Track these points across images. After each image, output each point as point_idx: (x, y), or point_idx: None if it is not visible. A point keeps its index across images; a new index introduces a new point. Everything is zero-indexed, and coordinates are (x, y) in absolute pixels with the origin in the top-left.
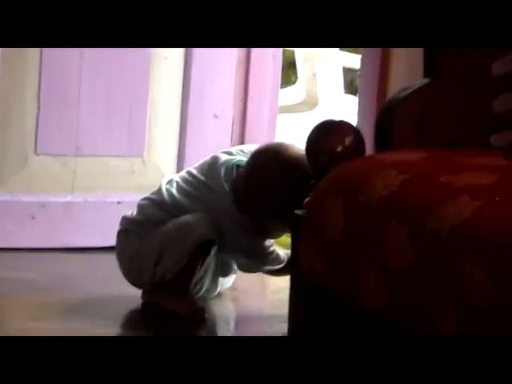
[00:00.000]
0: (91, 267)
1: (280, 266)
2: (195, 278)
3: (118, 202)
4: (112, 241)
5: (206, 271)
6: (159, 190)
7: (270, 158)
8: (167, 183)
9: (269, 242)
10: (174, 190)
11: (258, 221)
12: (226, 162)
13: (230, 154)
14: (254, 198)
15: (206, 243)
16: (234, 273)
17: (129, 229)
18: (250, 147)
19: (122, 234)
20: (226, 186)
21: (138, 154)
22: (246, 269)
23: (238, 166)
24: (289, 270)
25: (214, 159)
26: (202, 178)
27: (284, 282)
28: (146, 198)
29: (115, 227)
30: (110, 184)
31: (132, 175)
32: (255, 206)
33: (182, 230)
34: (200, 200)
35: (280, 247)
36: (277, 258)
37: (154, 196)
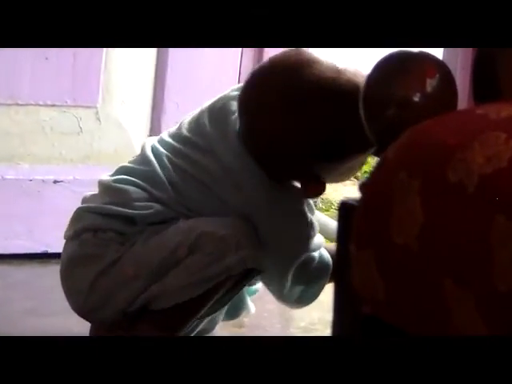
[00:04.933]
0: None
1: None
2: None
3: (55, 182)
4: (46, 244)
5: (215, 311)
6: (145, 158)
7: (295, 77)
8: (153, 150)
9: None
10: (169, 166)
11: (312, 177)
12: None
13: (231, 99)
14: (293, 143)
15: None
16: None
17: (101, 226)
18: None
19: (84, 233)
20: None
21: (87, 103)
22: (285, 297)
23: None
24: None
25: (221, 105)
26: (208, 145)
27: (320, 312)
28: (125, 170)
29: (55, 221)
30: (40, 151)
31: (78, 137)
32: (298, 155)
33: (207, 244)
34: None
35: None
36: (325, 267)
37: (139, 166)
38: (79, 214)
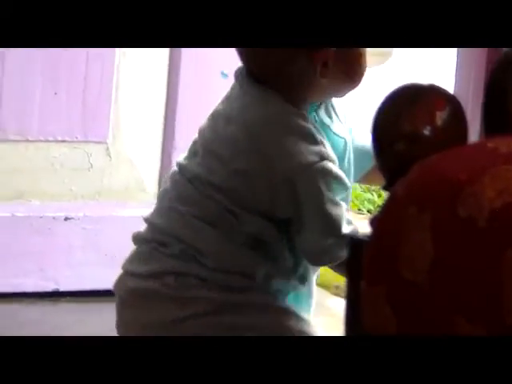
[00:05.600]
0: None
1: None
2: None
3: (66, 219)
4: (57, 282)
5: None
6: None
7: None
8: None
9: None
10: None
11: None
12: None
13: None
14: None
15: None
16: None
17: (181, 270)
18: None
19: (165, 276)
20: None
21: (97, 139)
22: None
23: None
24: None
25: None
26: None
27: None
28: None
29: (66, 258)
30: (50, 188)
31: (88, 173)
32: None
33: None
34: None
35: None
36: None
37: None
38: (152, 254)
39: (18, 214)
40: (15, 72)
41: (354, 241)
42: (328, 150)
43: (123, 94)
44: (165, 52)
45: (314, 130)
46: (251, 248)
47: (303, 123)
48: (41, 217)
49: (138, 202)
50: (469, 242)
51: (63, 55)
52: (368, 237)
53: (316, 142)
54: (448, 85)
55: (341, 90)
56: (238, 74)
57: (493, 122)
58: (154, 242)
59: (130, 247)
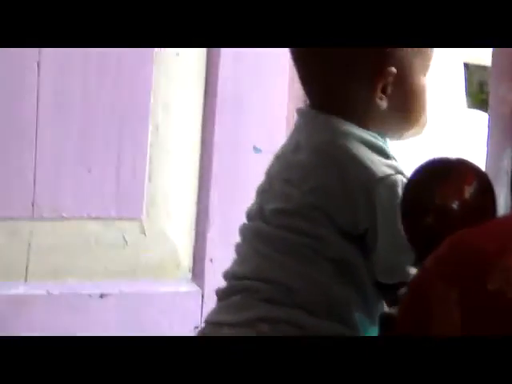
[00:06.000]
0: None
1: None
2: None
3: (102, 296)
4: None
5: None
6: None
7: None
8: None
9: None
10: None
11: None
12: None
13: None
14: None
15: None
16: None
17: (277, 317)
18: None
19: (259, 323)
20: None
21: (132, 215)
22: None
23: None
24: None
25: None
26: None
27: None
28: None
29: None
30: (85, 265)
31: (123, 250)
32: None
33: None
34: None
35: None
36: None
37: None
38: (244, 302)
39: (54, 293)
40: (48, 149)
41: (383, 316)
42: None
43: (156, 171)
44: (197, 127)
45: (386, 146)
46: (338, 278)
47: (375, 139)
48: (76, 295)
49: (173, 279)
50: (500, 318)
51: (96, 132)
52: (397, 312)
53: (389, 156)
54: (480, 160)
55: (401, 127)
56: (301, 111)
57: None
58: (244, 290)
59: (165, 323)
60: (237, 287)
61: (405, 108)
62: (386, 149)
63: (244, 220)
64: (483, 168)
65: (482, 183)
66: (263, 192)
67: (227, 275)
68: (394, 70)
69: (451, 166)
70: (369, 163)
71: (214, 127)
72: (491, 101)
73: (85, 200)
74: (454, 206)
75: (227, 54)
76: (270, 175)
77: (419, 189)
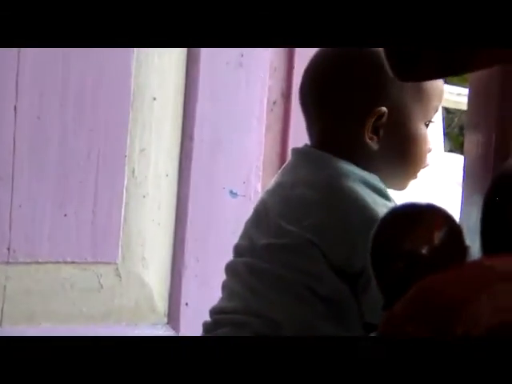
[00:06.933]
0: None
1: None
2: None
3: None
4: None
5: None
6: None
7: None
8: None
9: None
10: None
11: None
12: None
13: None
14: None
15: None
16: None
17: None
18: None
19: None
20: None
21: (107, 259)
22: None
23: None
24: None
25: None
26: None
27: None
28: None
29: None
30: (60, 310)
31: (98, 294)
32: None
33: None
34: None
35: None
36: None
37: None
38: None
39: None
40: (24, 193)
41: None
42: None
43: (132, 215)
44: (174, 171)
45: (384, 187)
46: (328, 317)
47: (376, 181)
48: None
49: (149, 323)
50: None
51: (72, 176)
52: None
53: (388, 197)
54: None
55: (394, 174)
56: (299, 150)
57: (490, 241)
58: (232, 324)
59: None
60: (225, 320)
61: (398, 154)
62: (387, 191)
63: (224, 262)
64: (459, 212)
65: (452, 228)
66: (253, 227)
67: (214, 311)
68: (384, 109)
69: (421, 211)
70: (371, 204)
71: (190, 171)
72: (466, 144)
73: (60, 244)
74: (424, 251)
75: (204, 97)
76: (262, 210)
77: (388, 234)
